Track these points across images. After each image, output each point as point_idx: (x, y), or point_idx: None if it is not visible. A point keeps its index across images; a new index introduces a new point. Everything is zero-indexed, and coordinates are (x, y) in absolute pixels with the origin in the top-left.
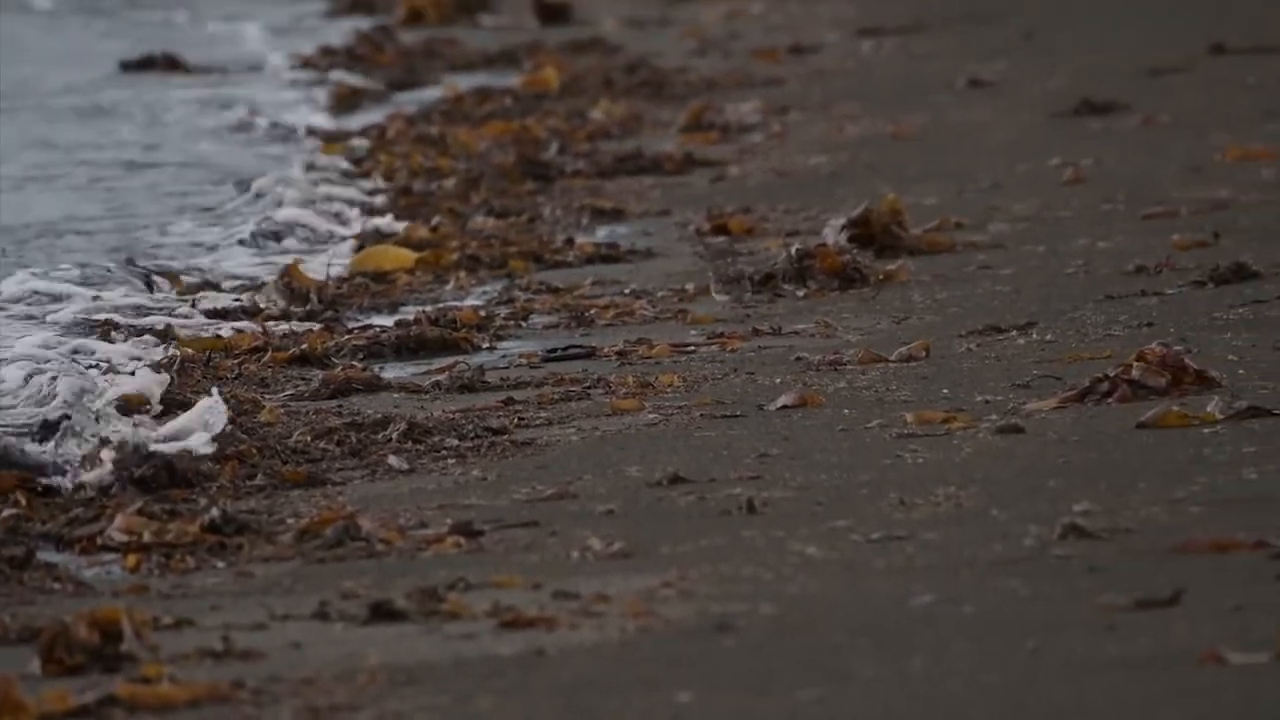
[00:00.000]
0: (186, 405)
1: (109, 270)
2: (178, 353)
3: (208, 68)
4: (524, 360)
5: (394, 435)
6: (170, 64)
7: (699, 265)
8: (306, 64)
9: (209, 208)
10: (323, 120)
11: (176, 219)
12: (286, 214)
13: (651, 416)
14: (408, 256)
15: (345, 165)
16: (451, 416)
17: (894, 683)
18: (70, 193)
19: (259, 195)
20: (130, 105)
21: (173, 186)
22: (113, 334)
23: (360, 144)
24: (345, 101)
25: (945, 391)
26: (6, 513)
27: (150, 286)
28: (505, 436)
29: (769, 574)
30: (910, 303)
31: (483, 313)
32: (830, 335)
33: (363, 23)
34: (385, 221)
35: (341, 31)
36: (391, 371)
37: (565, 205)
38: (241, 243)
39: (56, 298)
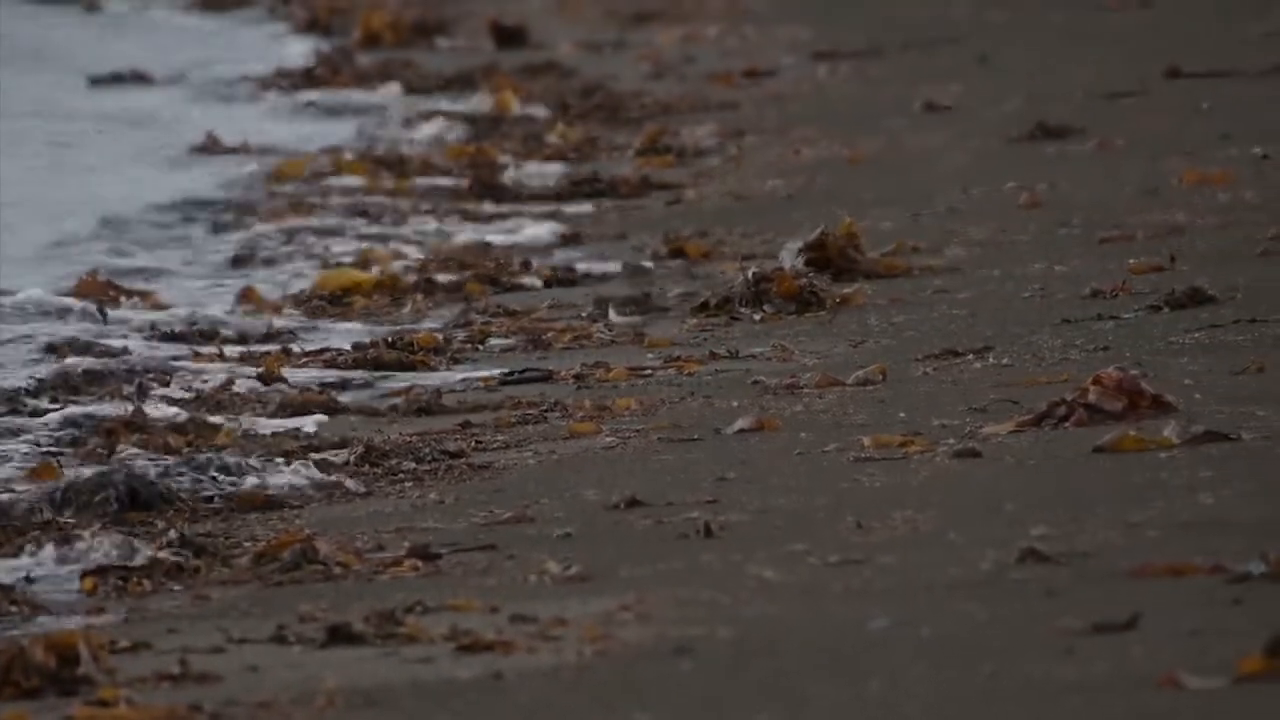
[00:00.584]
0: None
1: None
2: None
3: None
4: (481, 384)
5: (351, 458)
6: (138, 78)
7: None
8: (262, 85)
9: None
10: (285, 136)
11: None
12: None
13: (609, 440)
14: (366, 279)
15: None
16: (409, 439)
17: (851, 706)
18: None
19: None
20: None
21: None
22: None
23: (321, 163)
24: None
25: (902, 415)
26: None
27: (104, 316)
28: (462, 460)
29: (727, 598)
30: (867, 326)
31: (440, 336)
32: (787, 359)
33: (320, 43)
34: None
35: (299, 52)
36: (349, 394)
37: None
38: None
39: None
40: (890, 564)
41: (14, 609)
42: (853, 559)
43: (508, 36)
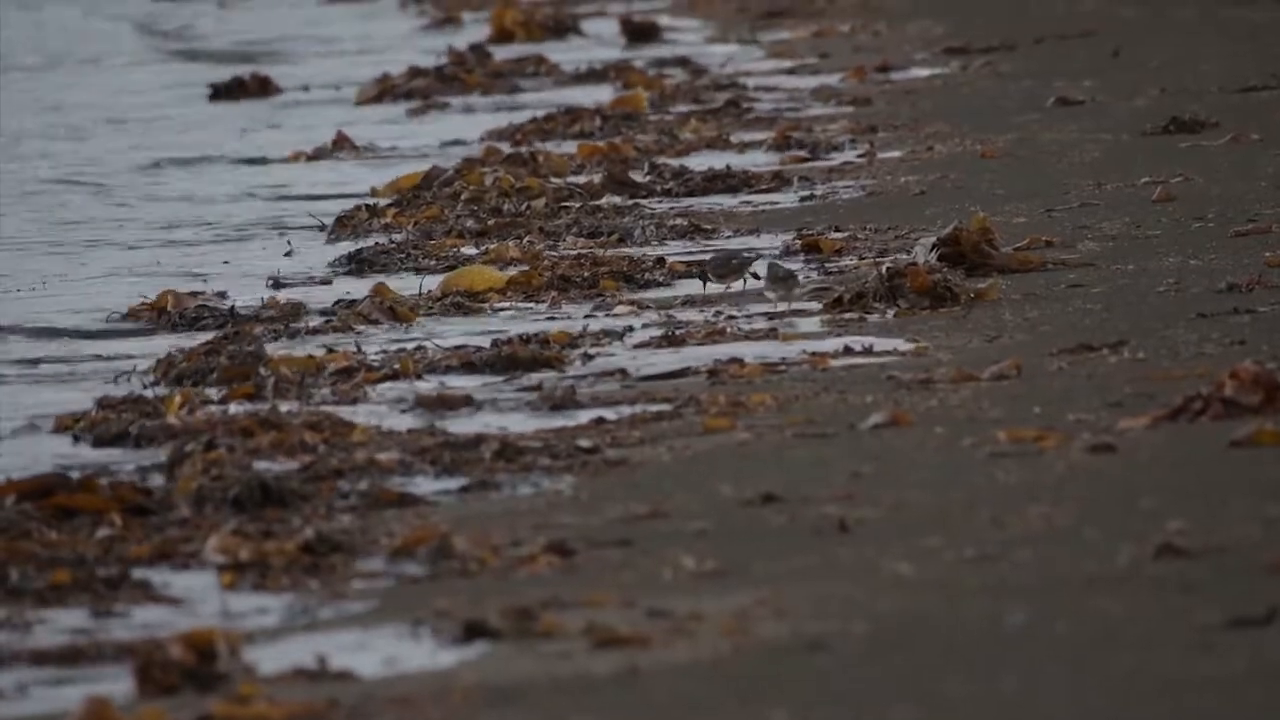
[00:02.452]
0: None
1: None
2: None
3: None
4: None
5: (487, 454)
6: (262, 85)
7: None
8: (391, 85)
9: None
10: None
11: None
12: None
13: (743, 435)
14: (498, 277)
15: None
16: (544, 435)
17: (987, 702)
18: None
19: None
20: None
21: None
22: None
23: (447, 164)
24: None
25: (1037, 410)
26: (102, 533)
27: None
28: (598, 455)
29: (862, 593)
30: (1001, 321)
31: (575, 331)
32: (922, 354)
33: (454, 39)
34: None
35: (433, 48)
36: (485, 391)
37: (656, 224)
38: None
39: None
40: (1026, 559)
41: (152, 605)
42: (988, 554)
43: (639, 33)
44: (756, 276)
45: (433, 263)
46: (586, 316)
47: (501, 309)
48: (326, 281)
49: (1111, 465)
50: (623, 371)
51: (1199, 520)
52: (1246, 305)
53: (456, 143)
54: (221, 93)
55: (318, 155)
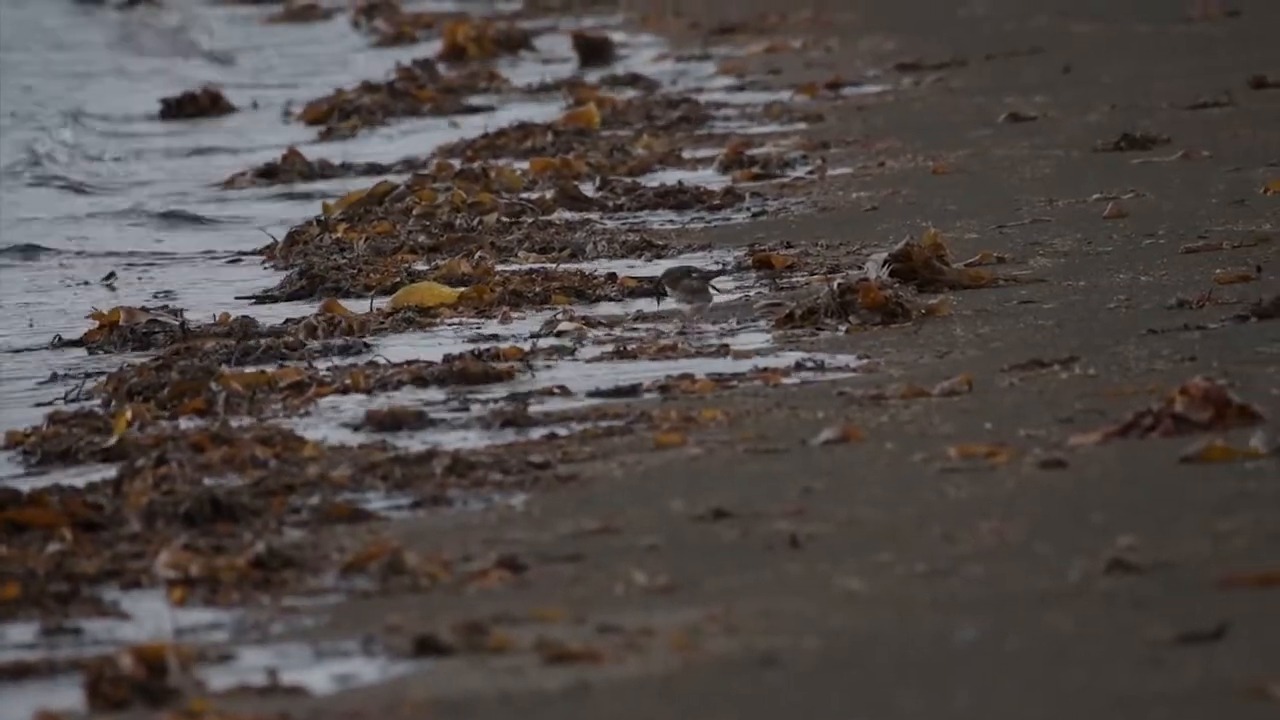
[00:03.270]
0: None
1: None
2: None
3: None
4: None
5: (438, 470)
6: (213, 101)
7: (741, 300)
8: (343, 101)
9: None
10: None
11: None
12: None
13: (695, 451)
14: (450, 293)
15: None
16: (496, 450)
17: (939, 718)
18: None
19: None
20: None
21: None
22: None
23: (400, 179)
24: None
25: (988, 425)
26: (53, 548)
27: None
28: (549, 471)
29: (813, 608)
30: (952, 337)
31: (526, 346)
32: (873, 370)
33: (406, 55)
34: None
35: (382, 66)
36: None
37: (608, 240)
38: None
39: None
40: (977, 575)
41: (102, 620)
42: (940, 569)
43: (592, 50)
44: (716, 290)
45: (381, 279)
46: (533, 335)
47: (452, 324)
48: (273, 299)
49: (1062, 481)
50: (563, 389)
51: (1150, 536)
52: (1197, 321)
53: (407, 158)
54: (173, 109)
55: (268, 172)
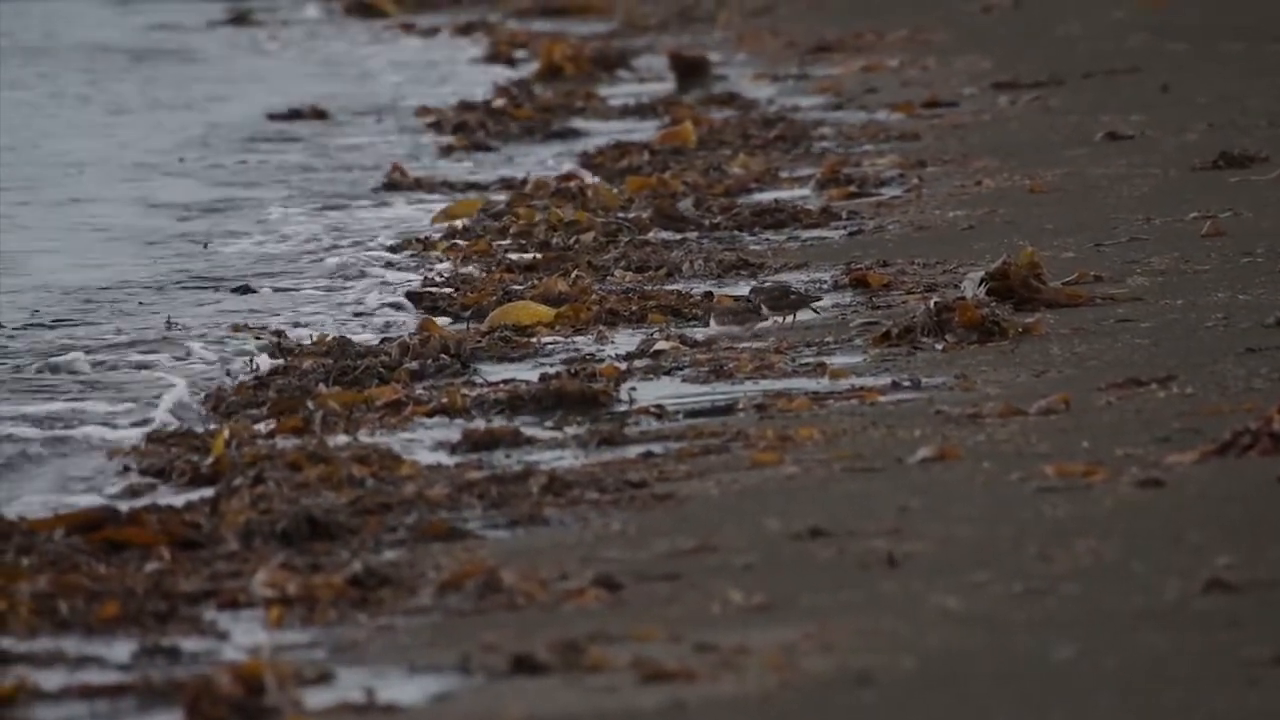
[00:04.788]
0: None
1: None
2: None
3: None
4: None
5: (535, 489)
6: (316, 114)
7: (839, 318)
8: (439, 120)
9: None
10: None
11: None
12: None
13: (791, 469)
14: (546, 312)
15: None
16: (592, 470)
17: None
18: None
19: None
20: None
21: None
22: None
23: (498, 197)
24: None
25: (1085, 444)
26: (151, 567)
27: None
28: (645, 489)
29: (909, 627)
30: (1049, 356)
31: (623, 366)
32: (969, 389)
33: (502, 74)
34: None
35: (481, 81)
36: (531, 425)
37: (704, 258)
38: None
39: None
40: (1074, 594)
41: (201, 639)
42: (1036, 589)
43: (689, 69)
44: (815, 311)
45: (479, 297)
46: (628, 355)
47: (549, 343)
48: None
49: (1159, 500)
50: (660, 408)
51: (1247, 555)
52: None
53: (505, 176)
54: (279, 120)
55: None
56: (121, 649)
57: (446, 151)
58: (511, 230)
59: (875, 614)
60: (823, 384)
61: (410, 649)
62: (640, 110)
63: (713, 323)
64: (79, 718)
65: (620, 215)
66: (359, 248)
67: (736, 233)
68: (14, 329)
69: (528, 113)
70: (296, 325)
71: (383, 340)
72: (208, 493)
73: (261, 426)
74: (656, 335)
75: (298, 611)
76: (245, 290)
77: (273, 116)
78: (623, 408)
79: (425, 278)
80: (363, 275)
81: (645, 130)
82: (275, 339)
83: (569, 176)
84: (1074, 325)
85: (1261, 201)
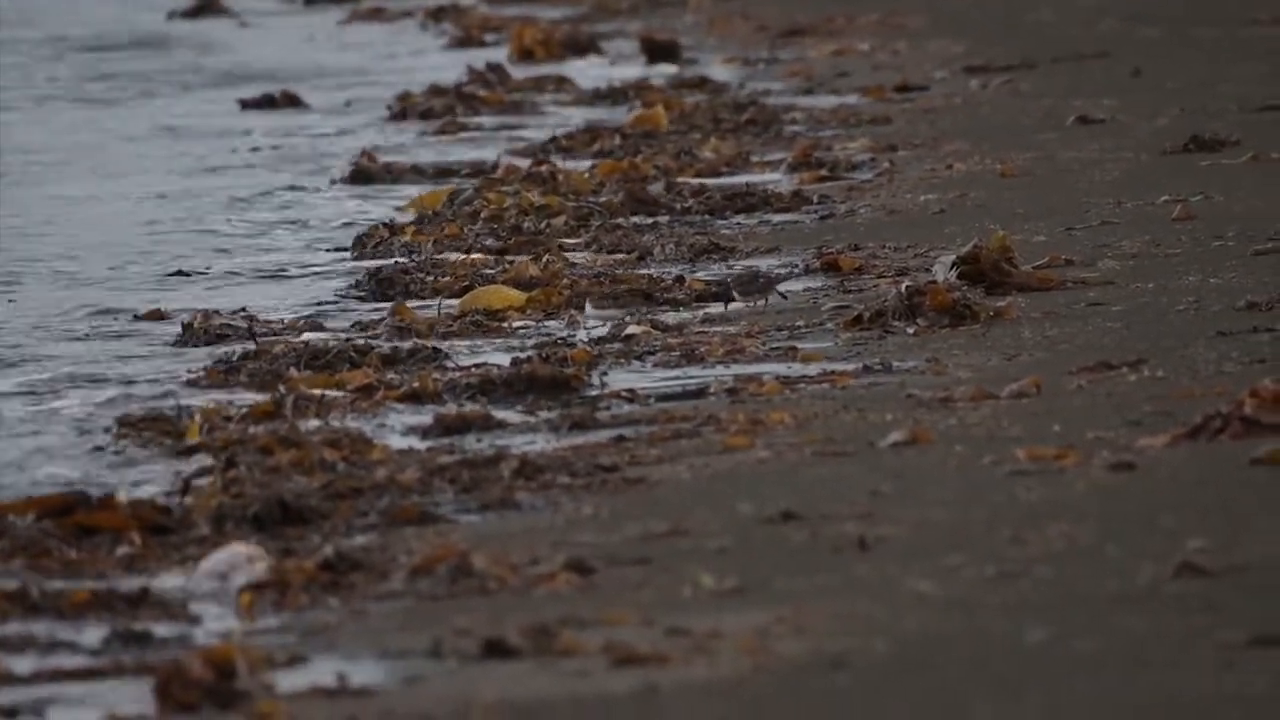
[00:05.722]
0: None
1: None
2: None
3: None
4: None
5: (506, 473)
6: (291, 103)
7: (810, 302)
8: (412, 103)
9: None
10: (431, 156)
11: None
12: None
13: (763, 453)
14: (517, 296)
15: None
16: (563, 454)
17: None
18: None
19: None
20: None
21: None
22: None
23: (468, 183)
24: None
25: (1057, 428)
26: (122, 551)
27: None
28: (617, 473)
29: (883, 611)
30: (1020, 339)
31: (594, 350)
32: (941, 372)
33: (474, 58)
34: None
35: (452, 68)
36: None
37: (675, 242)
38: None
39: None
40: (1047, 577)
41: (173, 623)
42: (1009, 572)
43: (660, 52)
44: (783, 296)
45: (451, 282)
46: (601, 340)
47: (520, 328)
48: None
49: (1131, 483)
50: (631, 392)
51: (1219, 538)
52: (1266, 324)
53: (476, 161)
54: (249, 109)
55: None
56: (93, 633)
57: (417, 137)
58: (483, 215)
59: (849, 598)
60: (794, 368)
61: (382, 633)
62: (612, 95)
63: (735, 295)
64: (49, 700)
65: (591, 200)
66: (327, 232)
67: (707, 217)
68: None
69: (499, 97)
70: (258, 312)
71: (354, 325)
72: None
73: (233, 410)
74: (627, 319)
75: (269, 596)
76: (181, 274)
77: (244, 103)
78: (594, 392)
79: (396, 262)
80: (330, 258)
81: (617, 113)
82: (247, 323)
83: (540, 161)
84: (1045, 309)
85: (1232, 185)
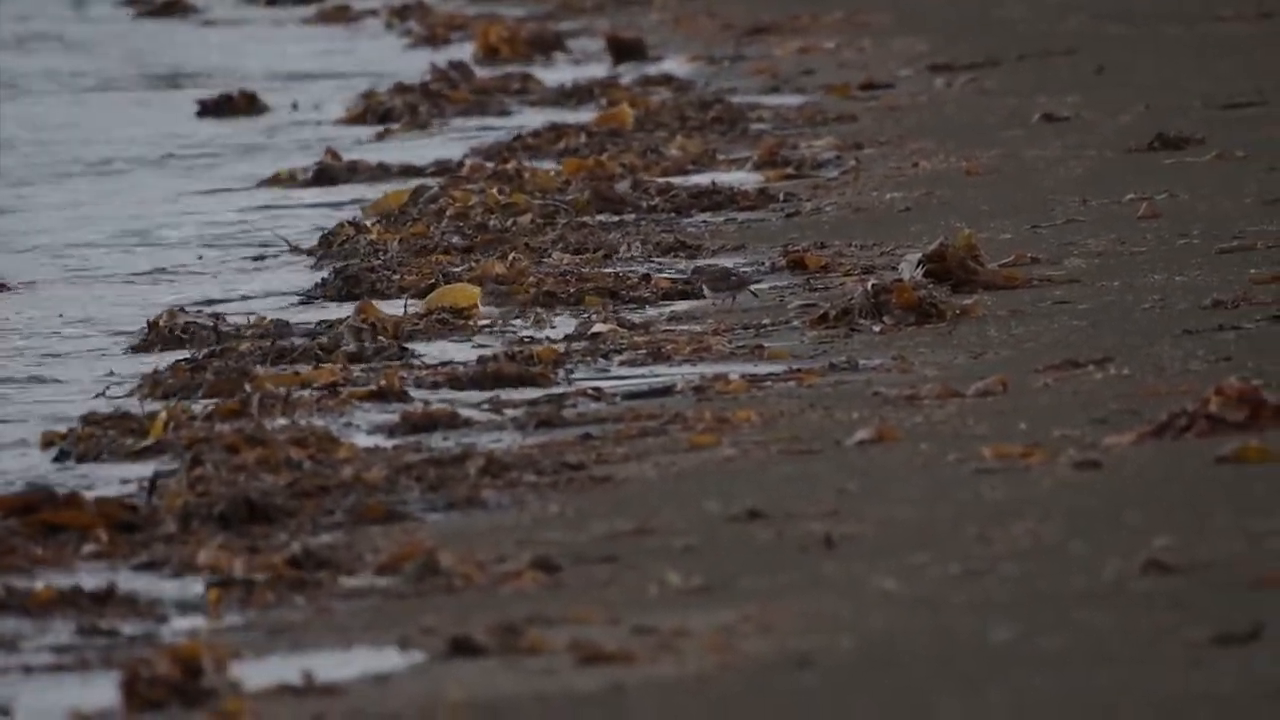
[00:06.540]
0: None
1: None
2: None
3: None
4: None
5: (473, 471)
6: (250, 102)
7: (776, 300)
8: (377, 102)
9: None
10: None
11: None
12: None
13: (729, 452)
14: (477, 293)
15: None
16: (530, 452)
17: (975, 718)
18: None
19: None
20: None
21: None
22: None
23: (433, 181)
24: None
25: (1023, 426)
26: (89, 548)
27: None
28: (583, 472)
29: (848, 609)
30: (987, 338)
31: (560, 348)
32: (907, 370)
33: (438, 57)
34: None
35: (416, 67)
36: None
37: (641, 241)
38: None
39: None
40: (1013, 575)
41: (138, 620)
42: (975, 570)
43: (625, 50)
44: (754, 293)
45: (417, 280)
46: (568, 336)
47: (485, 326)
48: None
49: (1097, 481)
50: (597, 390)
51: (1185, 536)
52: (1232, 322)
53: (441, 159)
54: (209, 110)
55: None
56: (58, 631)
57: (382, 135)
58: (448, 213)
59: (815, 596)
60: (760, 366)
61: (349, 631)
62: (577, 93)
63: (706, 292)
64: (13, 697)
65: (557, 198)
66: (288, 232)
67: (673, 215)
68: None
69: (464, 95)
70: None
71: (319, 323)
72: (144, 474)
73: (198, 409)
74: (593, 317)
75: (236, 593)
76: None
77: (203, 105)
78: (560, 389)
79: (361, 260)
80: (293, 259)
81: (583, 112)
82: (212, 321)
83: (505, 159)
84: (1011, 307)
85: (1197, 183)
